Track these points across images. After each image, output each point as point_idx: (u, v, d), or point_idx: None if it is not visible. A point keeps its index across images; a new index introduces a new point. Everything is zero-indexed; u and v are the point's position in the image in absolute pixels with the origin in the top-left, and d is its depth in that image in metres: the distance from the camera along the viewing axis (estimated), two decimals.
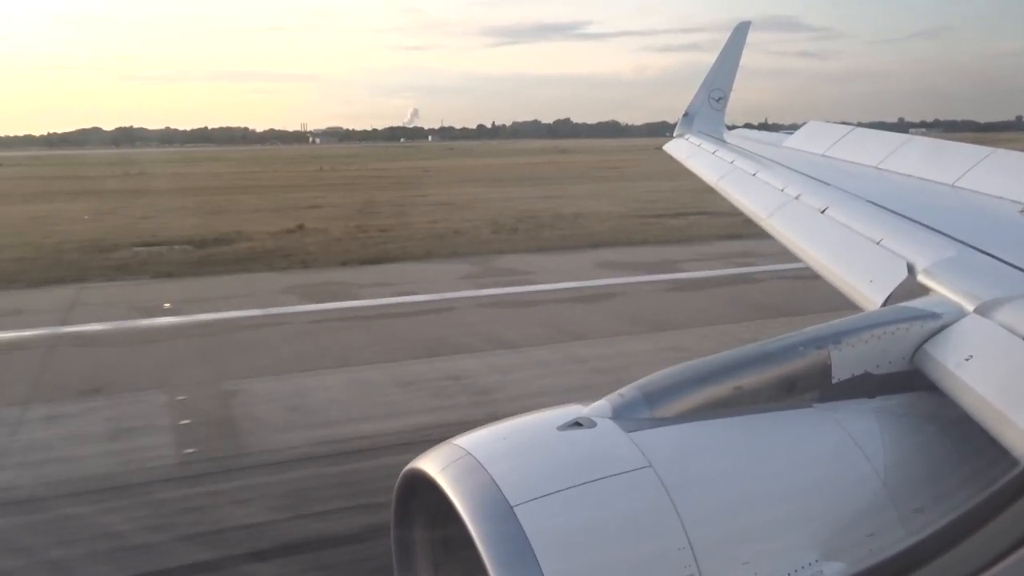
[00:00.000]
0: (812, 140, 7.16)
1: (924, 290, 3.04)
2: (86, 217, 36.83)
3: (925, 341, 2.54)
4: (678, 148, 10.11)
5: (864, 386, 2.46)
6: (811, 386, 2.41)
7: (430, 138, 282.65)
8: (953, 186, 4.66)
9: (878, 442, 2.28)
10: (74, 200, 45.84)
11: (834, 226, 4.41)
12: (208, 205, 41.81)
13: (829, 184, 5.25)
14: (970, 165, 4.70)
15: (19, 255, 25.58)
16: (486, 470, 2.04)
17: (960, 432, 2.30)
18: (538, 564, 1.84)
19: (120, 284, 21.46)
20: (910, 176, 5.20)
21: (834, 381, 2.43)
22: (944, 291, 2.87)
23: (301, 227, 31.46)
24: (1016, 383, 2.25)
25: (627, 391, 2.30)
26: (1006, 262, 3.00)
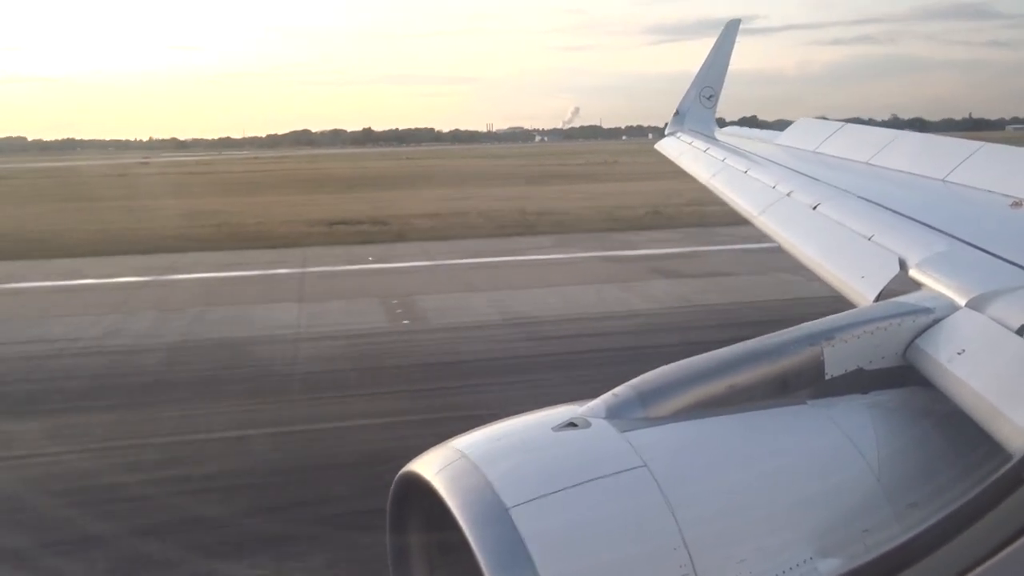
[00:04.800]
0: (803, 137, 7.17)
1: (916, 285, 3.04)
2: None
3: (917, 336, 2.54)
4: (670, 147, 10.13)
5: (857, 382, 2.46)
6: (804, 383, 2.41)
7: (650, 136, 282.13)
8: (943, 181, 4.67)
9: (872, 438, 2.28)
10: None
11: (826, 222, 4.41)
12: None
13: (820, 180, 5.27)
14: (960, 160, 4.71)
15: None
16: (481, 472, 2.03)
17: (953, 426, 2.30)
18: (534, 566, 1.84)
19: None
20: (901, 171, 5.22)
21: (827, 377, 2.43)
22: (936, 286, 2.88)
23: None
24: (1008, 377, 2.25)
25: (621, 391, 2.30)
26: (997, 256, 3.01)
